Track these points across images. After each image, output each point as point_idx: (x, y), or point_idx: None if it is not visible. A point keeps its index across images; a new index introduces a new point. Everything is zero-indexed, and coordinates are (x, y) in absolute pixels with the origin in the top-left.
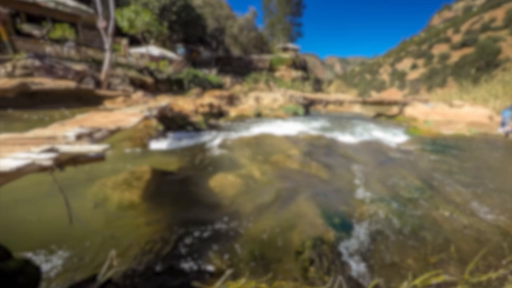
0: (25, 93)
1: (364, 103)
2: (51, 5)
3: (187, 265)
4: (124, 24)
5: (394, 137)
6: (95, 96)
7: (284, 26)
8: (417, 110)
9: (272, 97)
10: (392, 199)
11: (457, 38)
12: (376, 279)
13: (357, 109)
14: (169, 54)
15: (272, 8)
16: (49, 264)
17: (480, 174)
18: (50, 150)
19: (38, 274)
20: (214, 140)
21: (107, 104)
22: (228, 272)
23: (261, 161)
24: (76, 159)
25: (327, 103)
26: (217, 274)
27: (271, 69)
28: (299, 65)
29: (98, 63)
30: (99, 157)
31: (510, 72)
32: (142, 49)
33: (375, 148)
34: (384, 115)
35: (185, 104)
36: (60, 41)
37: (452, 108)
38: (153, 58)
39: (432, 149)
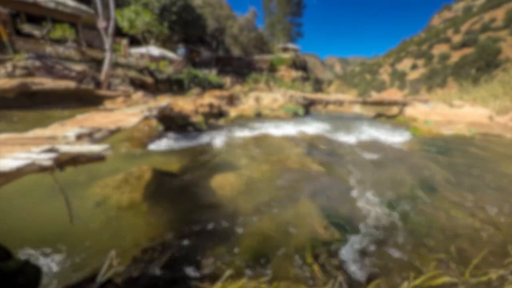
0: (25, 93)
1: (364, 103)
2: (51, 5)
3: (187, 265)
4: (124, 24)
5: (394, 137)
6: (95, 96)
7: (284, 26)
8: (417, 110)
9: (272, 97)
10: (392, 199)
11: (457, 38)
12: (376, 279)
13: (357, 109)
14: (169, 54)
15: (272, 8)
16: (49, 264)
17: (480, 174)
18: (50, 150)
19: (38, 274)
20: (214, 140)
21: (107, 104)
22: (228, 272)
23: (261, 161)
24: (76, 159)
25: (327, 103)
26: (217, 274)
27: (271, 69)
28: (299, 65)
29: (98, 63)
30: (99, 157)
31: (510, 72)
32: (142, 49)
33: (375, 148)
34: (384, 115)
35: (185, 104)
36: (60, 41)
37: (452, 108)
38: (153, 58)
39: (432, 149)
